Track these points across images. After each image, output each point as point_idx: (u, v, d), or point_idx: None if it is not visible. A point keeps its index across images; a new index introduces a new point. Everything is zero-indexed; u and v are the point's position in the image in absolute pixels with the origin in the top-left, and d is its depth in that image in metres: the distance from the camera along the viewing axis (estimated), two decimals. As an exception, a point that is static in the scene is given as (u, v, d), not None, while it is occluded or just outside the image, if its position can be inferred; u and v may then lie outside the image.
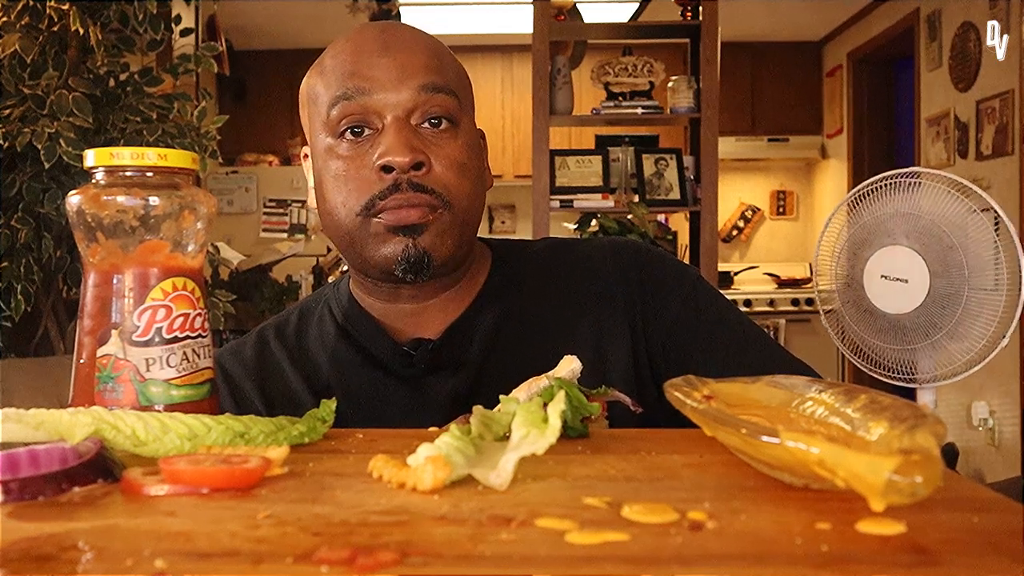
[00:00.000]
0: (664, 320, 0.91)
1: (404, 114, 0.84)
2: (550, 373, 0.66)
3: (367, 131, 0.85)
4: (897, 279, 1.81)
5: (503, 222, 5.99)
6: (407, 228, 0.83)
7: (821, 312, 2.01)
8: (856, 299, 1.88)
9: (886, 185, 1.84)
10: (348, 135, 0.85)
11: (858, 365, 1.92)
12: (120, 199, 0.61)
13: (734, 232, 6.01)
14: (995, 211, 1.75)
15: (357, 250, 0.87)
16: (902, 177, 1.82)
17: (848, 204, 1.92)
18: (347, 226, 0.86)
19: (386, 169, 0.82)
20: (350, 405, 0.86)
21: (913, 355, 1.82)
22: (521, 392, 0.64)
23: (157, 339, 0.60)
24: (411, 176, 0.82)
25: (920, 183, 1.81)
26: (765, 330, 0.97)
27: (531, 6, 3.36)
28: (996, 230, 1.77)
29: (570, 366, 0.67)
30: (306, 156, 0.93)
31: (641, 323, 0.91)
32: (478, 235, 0.94)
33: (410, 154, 0.82)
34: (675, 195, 3.49)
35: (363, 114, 0.84)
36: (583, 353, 0.69)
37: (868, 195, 1.87)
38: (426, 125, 0.85)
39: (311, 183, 0.92)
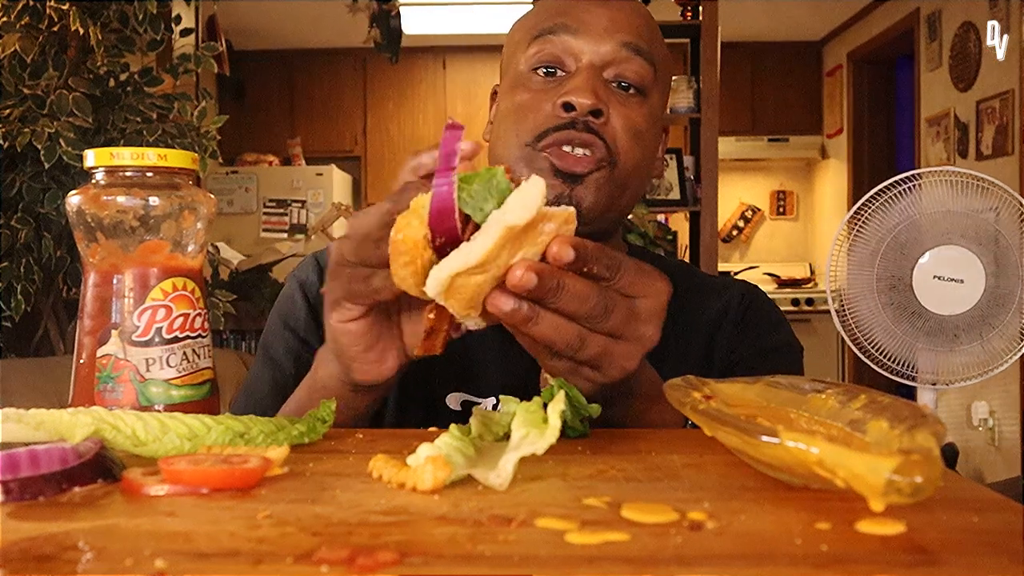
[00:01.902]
0: (728, 352, 0.93)
1: (600, 63, 0.85)
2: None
3: (559, 73, 0.86)
4: (951, 279, 1.77)
5: (504, 222, 5.98)
6: (570, 176, 0.82)
7: (834, 312, 1.94)
8: (901, 301, 1.81)
9: (913, 186, 1.80)
10: (541, 72, 0.86)
11: (879, 370, 1.87)
12: (120, 199, 0.61)
13: (734, 232, 6.01)
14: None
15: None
16: (906, 180, 1.80)
17: (861, 205, 1.88)
18: (513, 156, 0.85)
19: (567, 107, 0.82)
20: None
21: (959, 356, 1.79)
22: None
23: (157, 339, 0.60)
24: (588, 121, 0.82)
25: (944, 181, 1.78)
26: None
27: (531, 6, 3.35)
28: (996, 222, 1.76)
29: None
30: (494, 94, 0.95)
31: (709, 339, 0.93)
32: None
33: (592, 97, 0.82)
34: (675, 195, 3.50)
35: (560, 54, 0.85)
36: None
37: (903, 195, 1.82)
38: (615, 85, 0.86)
39: (491, 118, 0.93)
